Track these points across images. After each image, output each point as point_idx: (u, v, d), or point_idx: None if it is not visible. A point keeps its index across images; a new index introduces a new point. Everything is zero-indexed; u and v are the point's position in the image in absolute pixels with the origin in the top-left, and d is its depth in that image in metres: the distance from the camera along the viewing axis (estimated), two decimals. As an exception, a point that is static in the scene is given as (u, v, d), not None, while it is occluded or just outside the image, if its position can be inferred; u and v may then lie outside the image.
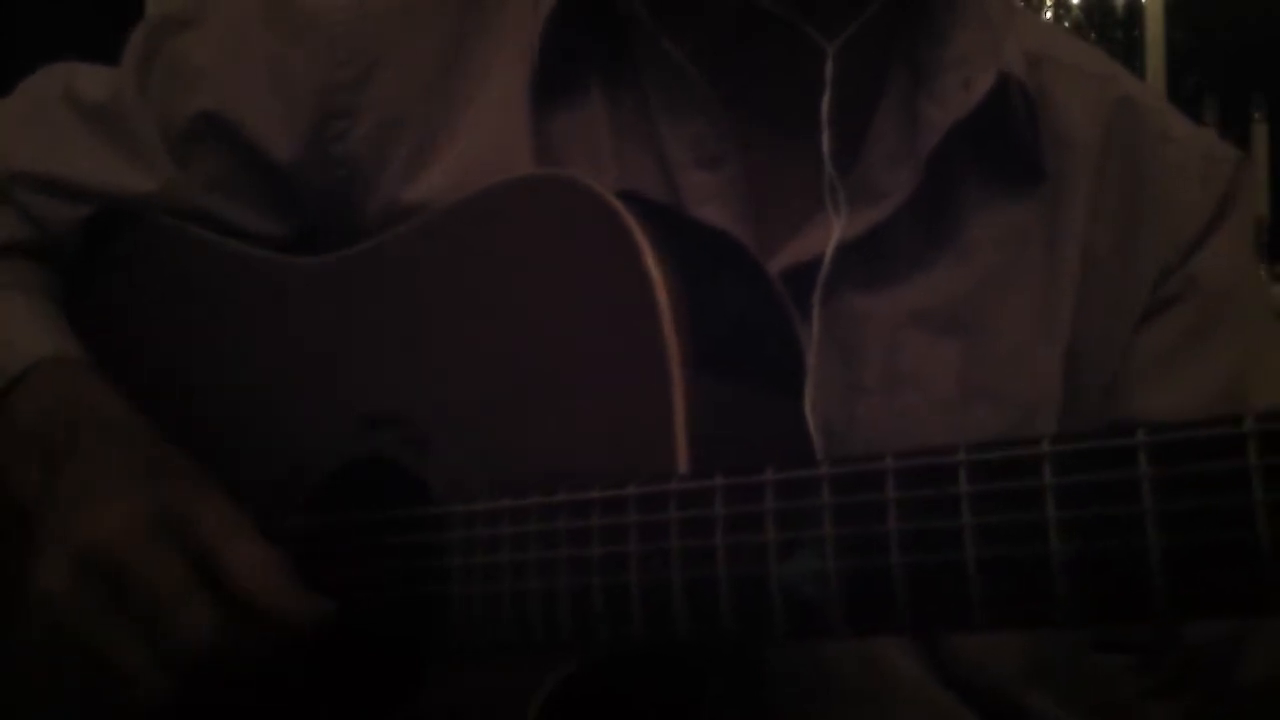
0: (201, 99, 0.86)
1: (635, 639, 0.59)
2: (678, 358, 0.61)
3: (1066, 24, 3.14)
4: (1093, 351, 0.82)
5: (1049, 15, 3.17)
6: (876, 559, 0.52)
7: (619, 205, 0.65)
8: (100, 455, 0.75)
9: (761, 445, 0.64)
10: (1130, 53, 3.15)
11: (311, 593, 0.68)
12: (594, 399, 0.64)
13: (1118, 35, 3.25)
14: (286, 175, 0.85)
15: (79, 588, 0.68)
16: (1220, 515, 0.45)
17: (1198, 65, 3.26)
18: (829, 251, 0.77)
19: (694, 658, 0.62)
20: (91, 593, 0.68)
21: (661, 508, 0.58)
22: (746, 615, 0.56)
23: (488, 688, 0.66)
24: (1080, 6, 3.27)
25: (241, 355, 0.83)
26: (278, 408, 0.79)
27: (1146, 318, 0.83)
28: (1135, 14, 3.21)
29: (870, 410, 0.78)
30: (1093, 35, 3.22)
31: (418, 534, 0.69)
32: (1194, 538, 0.45)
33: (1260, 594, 0.44)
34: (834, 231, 0.77)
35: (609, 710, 0.64)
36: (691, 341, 0.62)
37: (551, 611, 0.62)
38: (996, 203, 0.82)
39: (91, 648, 0.67)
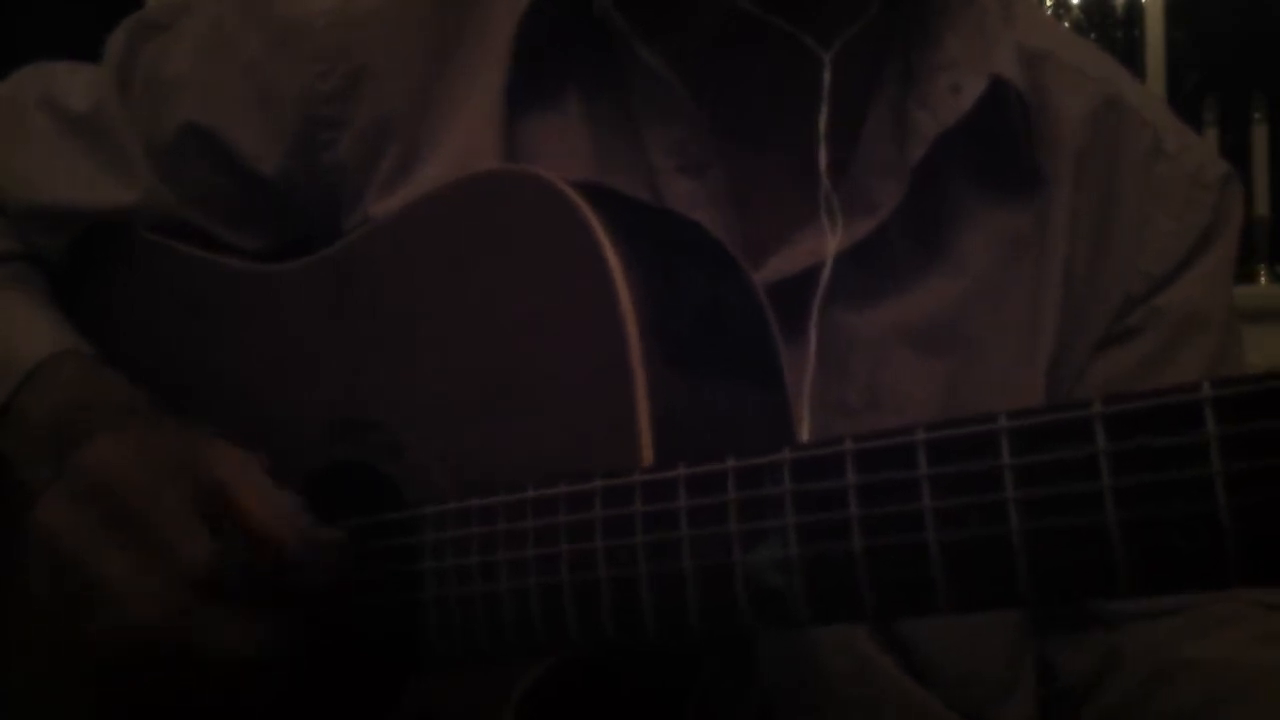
0: (184, 109, 0.85)
1: (606, 637, 0.59)
2: (640, 353, 0.60)
3: (1066, 24, 3.13)
4: (1063, 368, 0.81)
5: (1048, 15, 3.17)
6: (839, 544, 0.51)
7: (578, 198, 0.64)
8: (112, 434, 0.74)
9: (739, 440, 0.62)
10: (1130, 53, 3.15)
11: (323, 525, 0.67)
12: (559, 398, 0.63)
13: (1118, 35, 3.25)
14: (271, 188, 0.84)
15: (77, 516, 0.67)
16: (1180, 486, 0.44)
17: (1198, 65, 3.26)
18: (826, 268, 0.76)
19: (680, 647, 0.61)
20: (89, 520, 0.67)
21: (626, 501, 0.58)
22: (712, 606, 0.55)
23: (467, 690, 0.65)
24: (1080, 6, 3.26)
25: (217, 365, 0.82)
26: (253, 415, 0.78)
27: (1105, 344, 0.82)
28: (1135, 14, 3.21)
29: (851, 432, 0.77)
30: (1092, 35, 3.22)
31: (390, 539, 0.68)
32: (1154, 510, 0.45)
33: (1221, 566, 0.44)
34: (830, 244, 0.76)
35: (594, 703, 0.64)
36: (655, 335, 0.61)
37: (523, 612, 0.61)
38: (991, 210, 0.81)
39: (87, 573, 0.66)
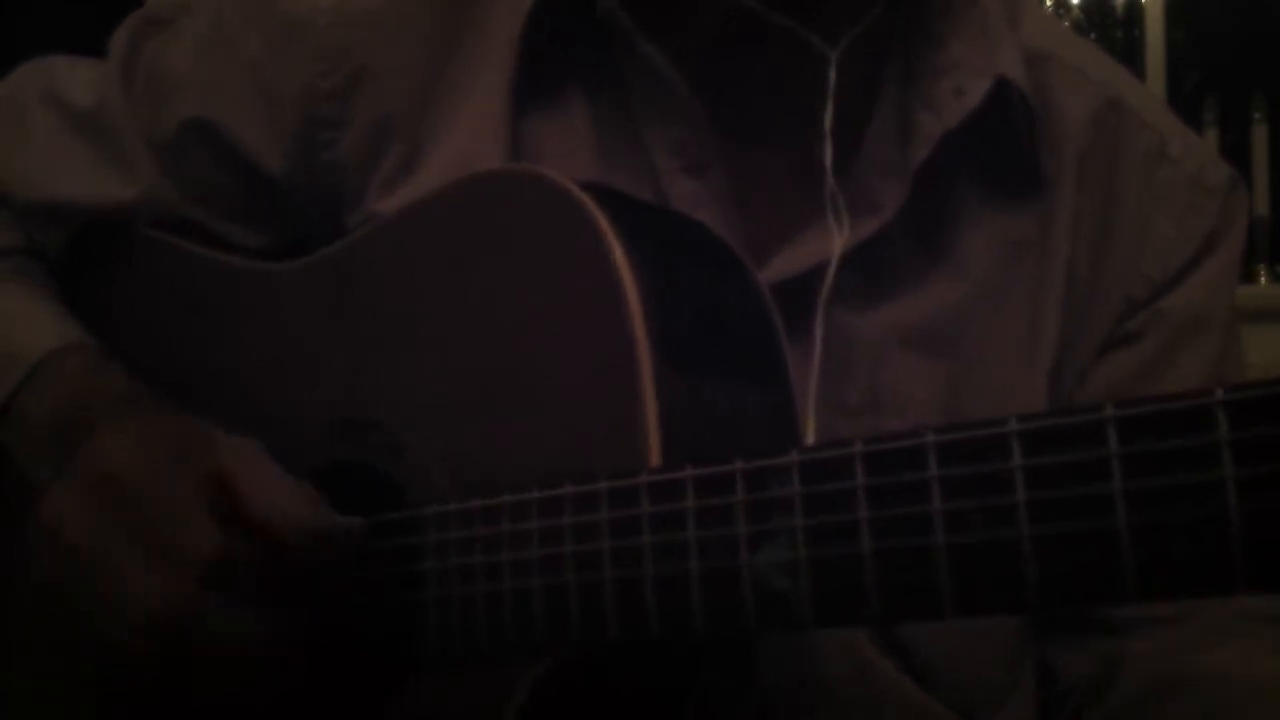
0: (186, 106, 0.85)
1: (609, 637, 0.58)
2: (647, 352, 0.60)
3: (1066, 24, 3.13)
4: (1065, 370, 0.81)
5: (1048, 16, 3.17)
6: (847, 547, 0.51)
7: (585, 198, 0.64)
8: (114, 427, 0.74)
9: (743, 441, 0.63)
10: (1130, 53, 3.15)
11: (328, 509, 0.67)
12: (561, 398, 0.63)
13: (1118, 35, 3.26)
14: (273, 185, 0.84)
15: (82, 508, 0.67)
16: (1190, 490, 0.44)
17: (1198, 65, 3.26)
18: (832, 266, 0.75)
19: (681, 647, 0.61)
20: (94, 511, 0.67)
21: (633, 502, 0.58)
22: (717, 608, 0.55)
23: (467, 690, 0.65)
24: (1080, 6, 3.27)
25: (217, 364, 0.82)
26: (253, 415, 0.78)
27: (1108, 348, 0.82)
28: (1135, 14, 3.21)
29: (853, 434, 0.75)
30: (1092, 35, 3.22)
31: (391, 539, 0.68)
32: (1164, 514, 0.45)
33: (1229, 571, 0.44)
34: (836, 243, 0.76)
35: (595, 703, 0.64)
36: (660, 336, 0.61)
37: (526, 613, 0.61)
38: (994, 212, 0.80)
39: (92, 563, 0.66)
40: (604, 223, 0.63)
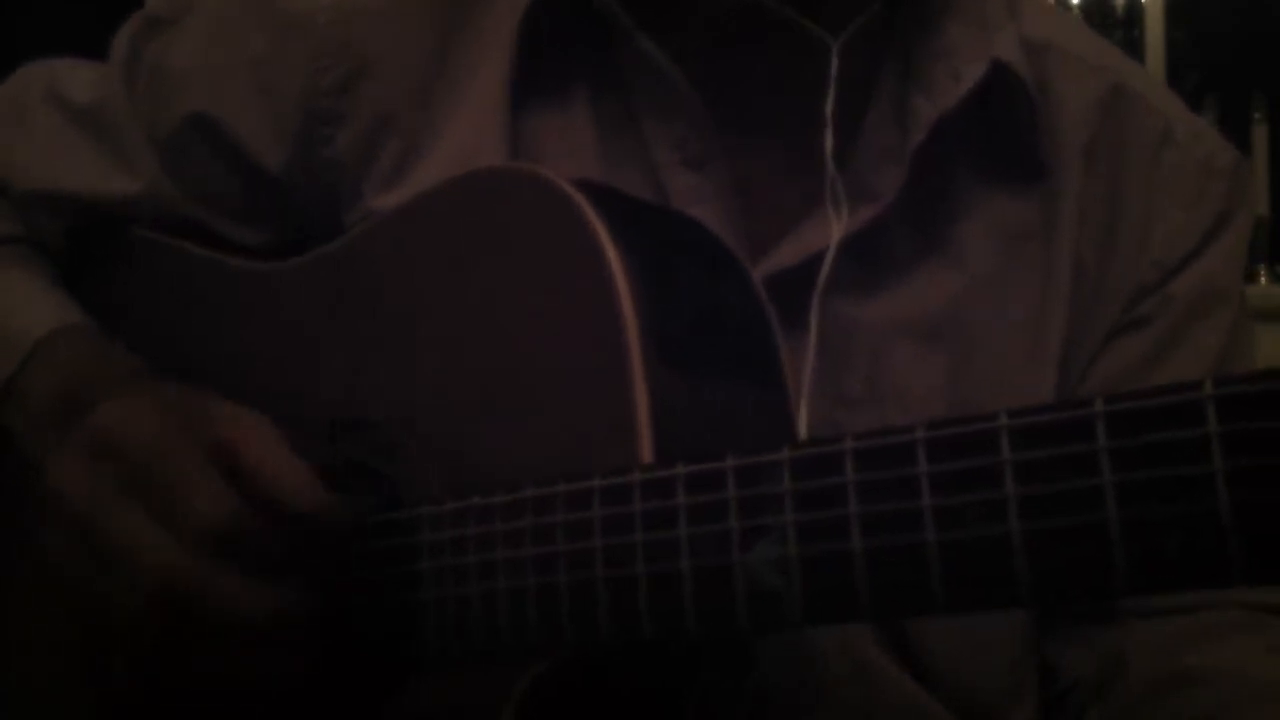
0: (188, 102, 0.85)
1: (602, 637, 0.58)
2: (639, 353, 0.60)
3: (1065, 23, 3.13)
4: (1073, 362, 0.81)
5: (1048, 15, 3.17)
6: (838, 543, 0.51)
7: (578, 196, 0.64)
8: (116, 397, 0.73)
9: (738, 439, 0.61)
10: (1130, 53, 3.14)
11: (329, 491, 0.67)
12: (558, 397, 0.63)
13: (1118, 35, 3.26)
14: (273, 183, 0.84)
15: (87, 476, 0.67)
16: (1181, 484, 0.44)
17: (1198, 65, 3.26)
18: (830, 254, 0.75)
19: (680, 647, 0.61)
20: (98, 478, 0.67)
21: (625, 499, 0.57)
22: (709, 606, 0.55)
23: (467, 690, 0.65)
24: (1080, 6, 3.27)
25: (216, 364, 0.82)
26: None
27: (1116, 334, 0.81)
28: (1135, 14, 3.21)
29: (852, 424, 0.76)
30: (1092, 35, 3.22)
31: (389, 539, 0.68)
32: (1155, 509, 0.44)
33: (1223, 565, 0.44)
34: (834, 233, 0.76)
35: (594, 703, 0.64)
36: (655, 335, 0.61)
37: (519, 612, 0.61)
38: (994, 201, 0.80)
39: (98, 530, 0.66)
40: (597, 222, 0.63)
